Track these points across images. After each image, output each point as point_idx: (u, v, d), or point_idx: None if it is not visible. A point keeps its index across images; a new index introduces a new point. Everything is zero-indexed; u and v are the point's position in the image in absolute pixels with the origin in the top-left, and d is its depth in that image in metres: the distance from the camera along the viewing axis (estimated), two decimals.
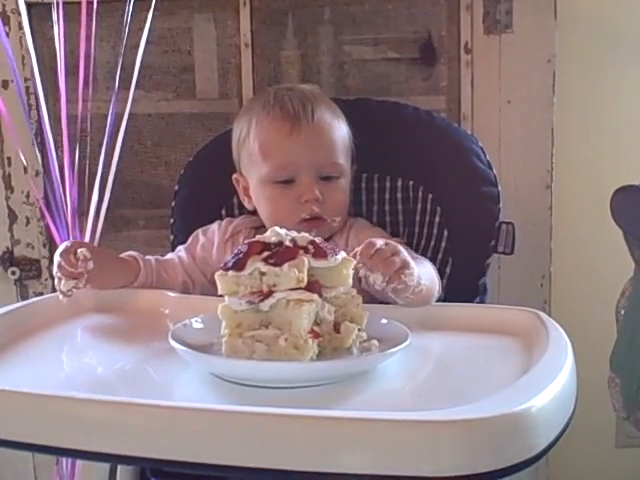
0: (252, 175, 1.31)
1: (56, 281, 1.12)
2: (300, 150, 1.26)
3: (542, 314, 0.98)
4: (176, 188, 1.46)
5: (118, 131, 1.50)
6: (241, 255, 0.87)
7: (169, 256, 1.32)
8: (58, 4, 1.40)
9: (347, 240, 1.28)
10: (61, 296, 1.10)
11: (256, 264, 0.86)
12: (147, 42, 1.51)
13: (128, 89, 1.50)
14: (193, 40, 1.75)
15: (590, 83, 1.73)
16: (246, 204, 1.35)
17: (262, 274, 0.86)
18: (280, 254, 0.87)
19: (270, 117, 1.28)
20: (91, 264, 1.11)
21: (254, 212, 1.35)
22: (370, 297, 1.06)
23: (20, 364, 0.94)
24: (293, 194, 1.26)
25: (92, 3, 1.41)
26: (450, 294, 1.24)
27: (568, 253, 1.72)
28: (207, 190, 1.44)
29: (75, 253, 1.11)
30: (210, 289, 1.15)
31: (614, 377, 1.45)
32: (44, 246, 1.76)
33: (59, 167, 1.46)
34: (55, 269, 1.12)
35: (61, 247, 1.14)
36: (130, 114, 1.52)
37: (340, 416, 0.70)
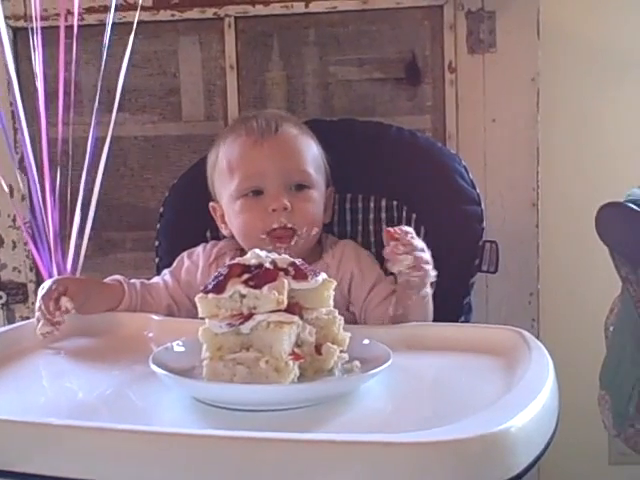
0: (224, 197, 1.30)
1: (35, 319, 1.12)
2: (265, 160, 1.25)
3: (525, 332, 0.98)
4: (161, 210, 1.46)
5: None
6: (221, 278, 0.87)
7: (155, 280, 1.32)
8: (37, 28, 1.41)
9: (339, 261, 1.27)
10: (38, 333, 1.10)
11: (236, 286, 0.86)
12: (133, 65, 1.51)
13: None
14: (178, 62, 1.75)
15: (574, 101, 1.74)
16: (223, 231, 1.34)
17: (242, 296, 0.86)
18: (260, 276, 0.86)
19: (235, 135, 1.29)
20: (73, 312, 1.12)
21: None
22: (352, 318, 1.05)
23: (2, 389, 0.94)
24: (261, 205, 1.24)
25: (72, 27, 1.42)
26: (434, 313, 1.24)
27: (555, 271, 1.72)
28: (192, 212, 1.43)
29: (56, 299, 1.11)
30: (195, 313, 1.14)
31: (604, 394, 1.44)
32: (31, 270, 1.76)
33: (41, 191, 1.45)
34: (36, 308, 1.12)
35: (44, 286, 1.14)
36: (116, 137, 1.52)
37: (321, 439, 0.69)
